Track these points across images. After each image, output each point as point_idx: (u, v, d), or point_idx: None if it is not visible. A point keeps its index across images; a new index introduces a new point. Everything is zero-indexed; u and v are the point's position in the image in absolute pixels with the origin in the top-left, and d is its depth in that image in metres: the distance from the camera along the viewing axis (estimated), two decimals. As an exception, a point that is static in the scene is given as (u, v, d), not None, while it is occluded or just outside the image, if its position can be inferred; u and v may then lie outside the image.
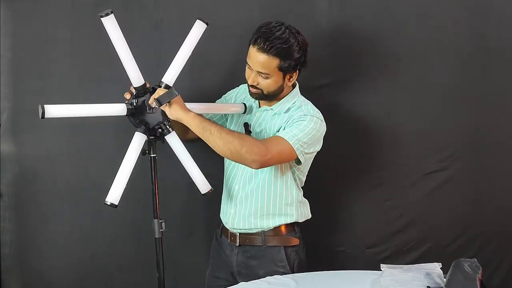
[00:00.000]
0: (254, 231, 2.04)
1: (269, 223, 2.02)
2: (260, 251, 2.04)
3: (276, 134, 1.93)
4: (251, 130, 2.04)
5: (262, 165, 1.88)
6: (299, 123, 1.92)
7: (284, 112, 1.99)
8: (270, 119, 2.02)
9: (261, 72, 1.89)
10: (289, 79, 1.96)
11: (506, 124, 2.46)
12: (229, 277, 2.11)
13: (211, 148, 2.12)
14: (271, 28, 1.87)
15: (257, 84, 1.93)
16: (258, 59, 1.87)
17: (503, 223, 2.51)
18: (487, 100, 2.45)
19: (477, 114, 2.45)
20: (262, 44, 1.85)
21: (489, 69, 2.42)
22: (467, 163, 2.46)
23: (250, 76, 1.93)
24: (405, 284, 1.69)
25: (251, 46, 1.89)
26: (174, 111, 1.85)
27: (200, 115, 1.91)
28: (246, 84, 2.17)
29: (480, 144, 2.46)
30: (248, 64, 1.93)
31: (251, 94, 1.98)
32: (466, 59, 2.41)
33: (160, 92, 1.86)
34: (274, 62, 1.87)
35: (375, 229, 2.47)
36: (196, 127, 1.84)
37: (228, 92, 2.23)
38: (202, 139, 1.87)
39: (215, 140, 1.83)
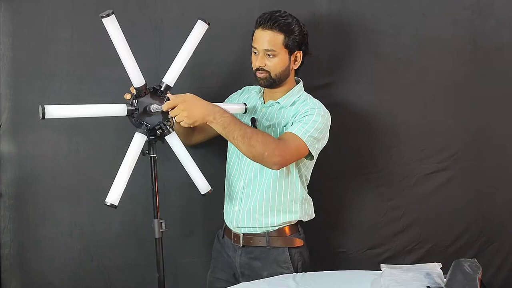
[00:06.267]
0: (258, 231, 2.03)
1: (273, 221, 2.02)
2: (264, 252, 2.03)
3: (288, 131, 1.94)
4: (257, 125, 2.05)
5: (283, 165, 1.92)
6: (308, 118, 1.94)
7: (290, 105, 2.02)
8: (276, 113, 2.04)
9: (268, 50, 1.94)
10: (294, 61, 2.01)
11: (507, 124, 2.47)
12: (231, 278, 2.11)
13: (211, 149, 2.13)
14: (272, 11, 1.97)
15: (264, 66, 1.96)
16: (263, 37, 1.94)
17: (504, 223, 2.51)
18: (487, 100, 2.45)
19: (478, 114, 2.45)
20: (265, 22, 1.94)
21: (489, 69, 2.42)
22: (468, 163, 2.46)
23: (256, 59, 1.97)
24: (405, 284, 1.69)
25: (255, 30, 1.97)
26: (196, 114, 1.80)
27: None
28: (248, 86, 2.18)
29: (481, 144, 2.46)
30: (254, 48, 1.98)
31: (259, 80, 2.00)
32: (466, 59, 2.41)
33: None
34: (279, 37, 1.94)
35: (376, 230, 2.47)
36: (221, 130, 1.83)
37: (231, 95, 2.23)
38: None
39: (238, 144, 1.84)
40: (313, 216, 2.12)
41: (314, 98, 2.05)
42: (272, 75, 1.98)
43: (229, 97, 2.23)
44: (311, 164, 2.06)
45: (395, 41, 2.38)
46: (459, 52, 2.41)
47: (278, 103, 2.04)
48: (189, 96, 1.82)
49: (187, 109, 1.79)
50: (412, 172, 2.44)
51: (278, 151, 1.86)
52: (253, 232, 2.04)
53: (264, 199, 2.01)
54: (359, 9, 2.35)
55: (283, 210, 2.03)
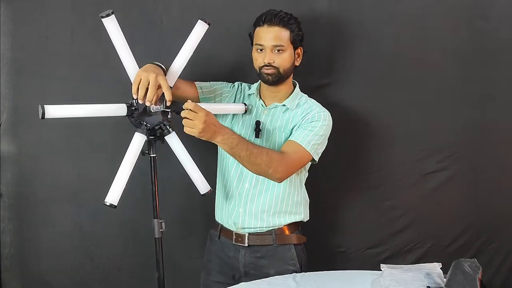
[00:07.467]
0: (265, 229, 2.04)
1: (281, 221, 2.04)
2: (270, 251, 2.03)
3: (293, 140, 1.96)
4: (261, 128, 2.05)
5: (285, 178, 1.96)
6: (314, 124, 1.97)
7: (295, 108, 2.04)
8: (281, 116, 2.04)
9: (276, 46, 1.95)
10: (297, 58, 2.03)
11: (506, 124, 2.46)
12: (229, 280, 2.08)
13: (211, 149, 2.12)
14: (270, 10, 1.99)
15: (273, 62, 1.97)
16: (270, 34, 1.95)
17: (503, 223, 2.51)
18: (487, 100, 2.44)
19: (477, 114, 2.45)
20: (272, 18, 1.95)
21: (489, 69, 2.42)
22: (467, 163, 2.45)
23: (264, 57, 1.97)
24: (405, 284, 1.69)
25: (258, 29, 1.98)
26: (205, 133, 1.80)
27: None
28: (241, 83, 2.17)
29: (480, 144, 2.46)
30: (259, 46, 1.98)
31: (266, 76, 1.99)
32: (466, 59, 2.41)
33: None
34: (286, 33, 1.97)
35: (375, 230, 2.47)
36: (228, 150, 1.87)
37: (222, 84, 2.15)
38: None
39: (243, 163, 1.90)
40: (308, 218, 2.14)
41: (312, 99, 2.08)
42: (281, 70, 1.98)
43: (221, 84, 2.14)
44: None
45: (395, 41, 2.38)
46: (459, 52, 2.40)
47: (284, 105, 2.04)
48: (210, 112, 1.81)
49: (206, 123, 1.77)
50: (411, 172, 2.44)
51: (281, 167, 1.90)
52: (259, 231, 2.04)
53: (274, 201, 2.02)
54: (359, 9, 2.35)
55: (290, 211, 2.05)
